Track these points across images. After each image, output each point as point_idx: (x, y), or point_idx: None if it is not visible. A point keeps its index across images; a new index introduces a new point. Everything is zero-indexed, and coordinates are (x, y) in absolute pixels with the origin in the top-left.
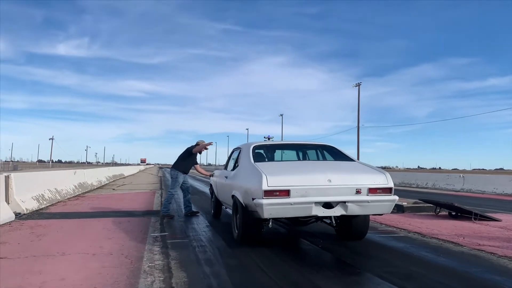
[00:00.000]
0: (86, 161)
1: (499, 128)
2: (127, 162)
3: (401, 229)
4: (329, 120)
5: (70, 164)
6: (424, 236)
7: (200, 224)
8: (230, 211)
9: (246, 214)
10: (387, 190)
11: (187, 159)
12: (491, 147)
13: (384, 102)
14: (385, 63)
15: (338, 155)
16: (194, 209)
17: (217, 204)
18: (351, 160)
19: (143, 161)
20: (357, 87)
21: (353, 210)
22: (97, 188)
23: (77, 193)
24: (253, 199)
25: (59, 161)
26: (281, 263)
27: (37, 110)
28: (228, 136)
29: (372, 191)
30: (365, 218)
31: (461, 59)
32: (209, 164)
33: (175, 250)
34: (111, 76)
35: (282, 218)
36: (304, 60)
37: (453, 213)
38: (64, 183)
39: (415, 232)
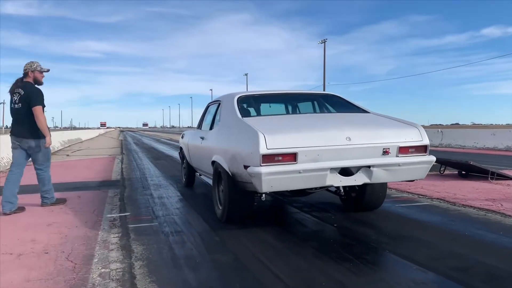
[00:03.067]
0: None
1: (455, 84)
2: (86, 126)
3: (418, 194)
4: (293, 79)
5: None
6: (454, 204)
7: (171, 198)
8: (206, 179)
9: (234, 186)
10: (421, 149)
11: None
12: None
13: (346, 60)
14: (347, 21)
15: (347, 107)
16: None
17: (190, 171)
18: (366, 111)
19: (103, 124)
20: (323, 44)
21: (379, 176)
22: None
23: None
24: (245, 166)
25: None
26: (290, 254)
27: None
28: (191, 97)
29: (403, 150)
30: (383, 183)
31: (421, 17)
32: (173, 127)
33: (141, 242)
34: (65, 37)
35: (286, 191)
36: (267, 18)
37: (463, 172)
38: (2, 150)
39: (438, 198)
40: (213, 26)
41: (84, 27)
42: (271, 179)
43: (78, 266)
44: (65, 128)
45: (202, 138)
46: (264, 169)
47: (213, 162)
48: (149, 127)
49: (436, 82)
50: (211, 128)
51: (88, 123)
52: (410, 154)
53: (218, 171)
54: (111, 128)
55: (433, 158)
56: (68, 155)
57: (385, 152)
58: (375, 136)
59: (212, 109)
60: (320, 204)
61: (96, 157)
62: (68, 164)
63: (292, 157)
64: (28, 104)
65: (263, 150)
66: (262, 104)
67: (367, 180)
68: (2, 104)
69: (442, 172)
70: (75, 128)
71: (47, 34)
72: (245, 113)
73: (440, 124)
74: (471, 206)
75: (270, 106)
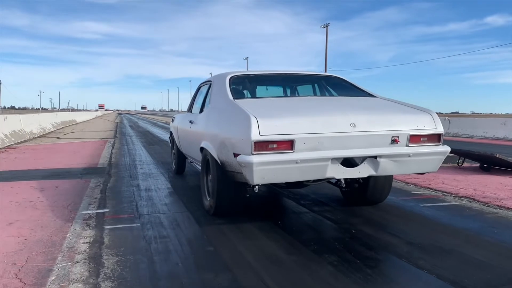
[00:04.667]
0: (40, 107)
1: (456, 72)
2: (84, 108)
3: (442, 191)
4: (294, 65)
5: (24, 110)
6: (488, 205)
7: (160, 190)
8: (197, 166)
9: (223, 176)
10: (435, 138)
11: None
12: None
13: (348, 46)
14: (350, 6)
15: (351, 90)
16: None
17: (180, 157)
18: (372, 95)
19: (101, 106)
20: (325, 28)
21: (386, 168)
22: (38, 137)
23: (8, 144)
24: (235, 154)
25: (12, 107)
26: (303, 274)
27: None
28: (190, 81)
29: (414, 139)
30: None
31: (424, 3)
32: (172, 110)
33: (115, 252)
34: (65, 17)
35: (281, 183)
36: (269, 2)
37: (485, 166)
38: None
39: (466, 197)
40: (215, 8)
41: (84, 7)
42: (264, 170)
43: (27, 286)
44: (63, 110)
45: (191, 122)
46: (256, 158)
47: (202, 149)
48: (148, 110)
49: (437, 70)
50: (201, 111)
51: (87, 105)
52: (422, 144)
53: (206, 158)
54: (109, 110)
55: (447, 149)
56: (58, 138)
57: (394, 141)
58: (383, 123)
59: (204, 90)
60: (319, 196)
61: (87, 141)
62: (55, 148)
63: (288, 145)
64: None
65: (255, 136)
66: (257, 85)
67: (372, 172)
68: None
69: (460, 164)
70: (73, 110)
71: (47, 14)
72: (237, 95)
73: (439, 113)
74: (508, 208)
75: (266, 88)
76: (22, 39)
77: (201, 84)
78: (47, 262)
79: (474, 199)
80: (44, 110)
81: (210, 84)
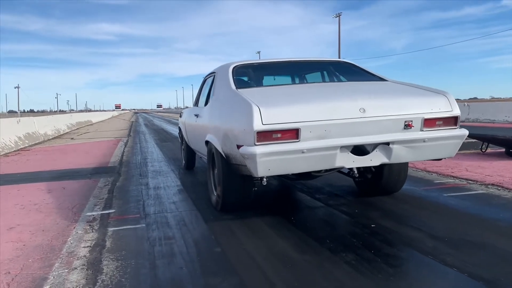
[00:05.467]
0: (58, 109)
1: (473, 57)
2: (101, 109)
3: (466, 180)
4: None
5: (42, 113)
6: None
7: (169, 188)
8: (206, 160)
9: (228, 170)
10: (451, 121)
11: None
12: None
13: (361, 35)
14: None
15: (361, 75)
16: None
17: (189, 152)
18: (384, 79)
19: (118, 106)
20: (337, 18)
21: (400, 155)
22: (53, 138)
23: (22, 146)
24: (238, 146)
25: (31, 111)
26: (318, 277)
27: (1, 58)
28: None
29: (428, 123)
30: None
31: None
32: (187, 107)
33: (116, 256)
34: (79, 19)
35: (289, 174)
36: None
37: (511, 151)
38: (2, 134)
39: (494, 184)
40: (226, 4)
41: (96, 10)
42: (268, 161)
43: None
44: (80, 111)
45: (197, 115)
46: (259, 149)
47: (207, 142)
48: (163, 108)
49: (453, 56)
50: (206, 103)
51: (104, 105)
52: (437, 128)
53: (211, 152)
54: (125, 110)
55: (465, 132)
56: (72, 138)
57: (407, 126)
58: (394, 107)
59: (209, 82)
60: (350, 193)
61: (100, 140)
62: (68, 148)
63: (293, 133)
64: None
65: (257, 126)
66: (262, 75)
67: (385, 160)
68: (17, 89)
69: (484, 150)
70: (90, 111)
71: (61, 18)
72: (241, 85)
73: (458, 99)
74: None
75: (271, 76)
76: (38, 43)
77: (206, 76)
78: (43, 270)
79: (502, 187)
80: (61, 112)
81: (214, 75)
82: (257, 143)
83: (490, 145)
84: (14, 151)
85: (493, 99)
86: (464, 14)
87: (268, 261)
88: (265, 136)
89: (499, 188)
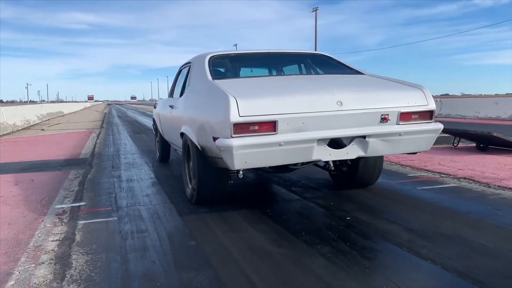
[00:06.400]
0: (28, 100)
1: (445, 54)
2: (74, 100)
3: (439, 173)
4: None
5: (12, 104)
6: (489, 186)
7: (142, 181)
8: (181, 153)
9: (204, 162)
10: (426, 115)
11: None
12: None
13: (337, 31)
14: None
15: (338, 68)
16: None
17: (163, 144)
18: (361, 73)
19: (90, 98)
20: (314, 12)
21: (376, 148)
22: (21, 129)
23: None
24: (214, 138)
25: (0, 101)
26: (294, 270)
27: None
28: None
29: (405, 116)
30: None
31: None
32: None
33: (86, 250)
34: (51, 8)
35: (264, 167)
36: None
37: (481, 145)
38: None
39: (466, 178)
40: None
41: None
42: (245, 154)
43: None
44: (52, 102)
45: (171, 106)
46: (236, 142)
47: (182, 134)
48: (138, 100)
49: (426, 53)
50: (181, 94)
51: (76, 96)
52: (413, 121)
53: (187, 144)
54: (98, 101)
55: (440, 126)
56: (43, 130)
57: (384, 119)
58: (371, 100)
59: (184, 72)
60: (326, 186)
61: (72, 132)
62: (37, 140)
63: (270, 126)
64: None
65: (234, 117)
66: (239, 66)
67: (361, 153)
68: None
69: (455, 145)
70: (61, 102)
71: (32, 6)
72: (217, 75)
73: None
74: (510, 188)
75: (248, 68)
76: (8, 32)
77: (181, 66)
78: (8, 264)
79: (474, 180)
80: (32, 102)
81: (190, 66)
82: (233, 135)
83: (461, 139)
84: None
85: (464, 96)
86: (437, 12)
87: (244, 255)
88: (242, 128)
89: (471, 182)
